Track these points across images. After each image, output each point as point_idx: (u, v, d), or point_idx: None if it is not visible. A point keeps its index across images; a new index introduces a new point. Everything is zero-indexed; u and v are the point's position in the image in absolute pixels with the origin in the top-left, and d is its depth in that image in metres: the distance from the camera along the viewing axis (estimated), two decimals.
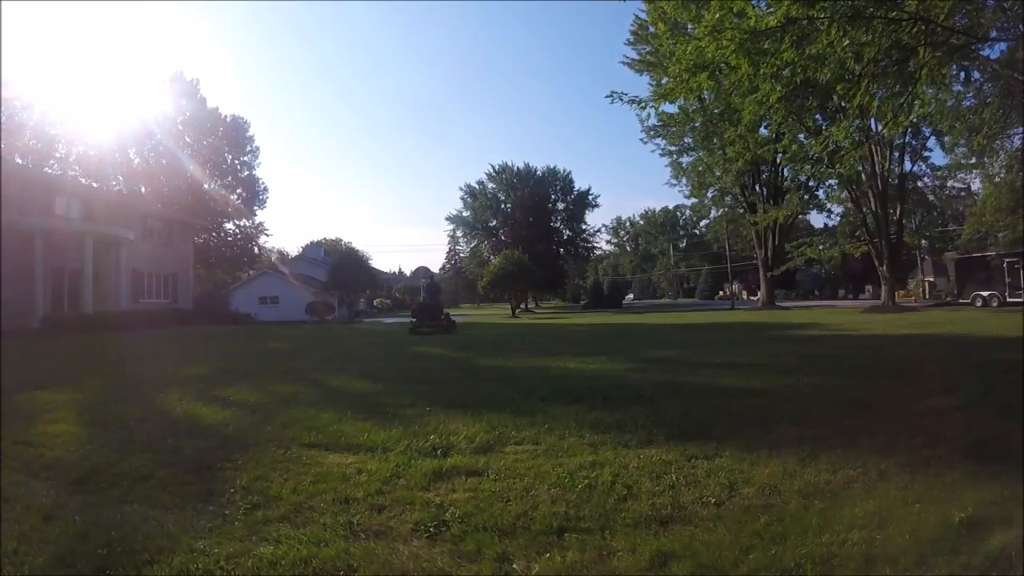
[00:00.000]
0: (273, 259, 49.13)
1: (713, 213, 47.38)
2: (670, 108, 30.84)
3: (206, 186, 40.06)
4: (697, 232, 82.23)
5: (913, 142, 28.97)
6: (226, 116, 42.14)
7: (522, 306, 41.79)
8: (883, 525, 2.47)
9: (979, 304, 24.80)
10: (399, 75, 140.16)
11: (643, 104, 9.62)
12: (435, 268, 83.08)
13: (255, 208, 44.08)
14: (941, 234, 43.74)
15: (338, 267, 37.43)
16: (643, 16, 29.29)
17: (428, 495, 2.94)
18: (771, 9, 7.68)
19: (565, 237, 51.49)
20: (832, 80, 8.85)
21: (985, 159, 24.98)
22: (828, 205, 34.41)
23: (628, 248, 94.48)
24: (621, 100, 10.07)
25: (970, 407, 4.72)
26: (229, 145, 41.97)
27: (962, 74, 10.95)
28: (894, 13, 7.95)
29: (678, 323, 20.08)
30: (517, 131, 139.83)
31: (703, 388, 5.89)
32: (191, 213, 33.41)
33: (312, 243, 62.10)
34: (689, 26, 11.28)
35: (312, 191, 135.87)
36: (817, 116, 20.40)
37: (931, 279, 40.05)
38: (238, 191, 42.34)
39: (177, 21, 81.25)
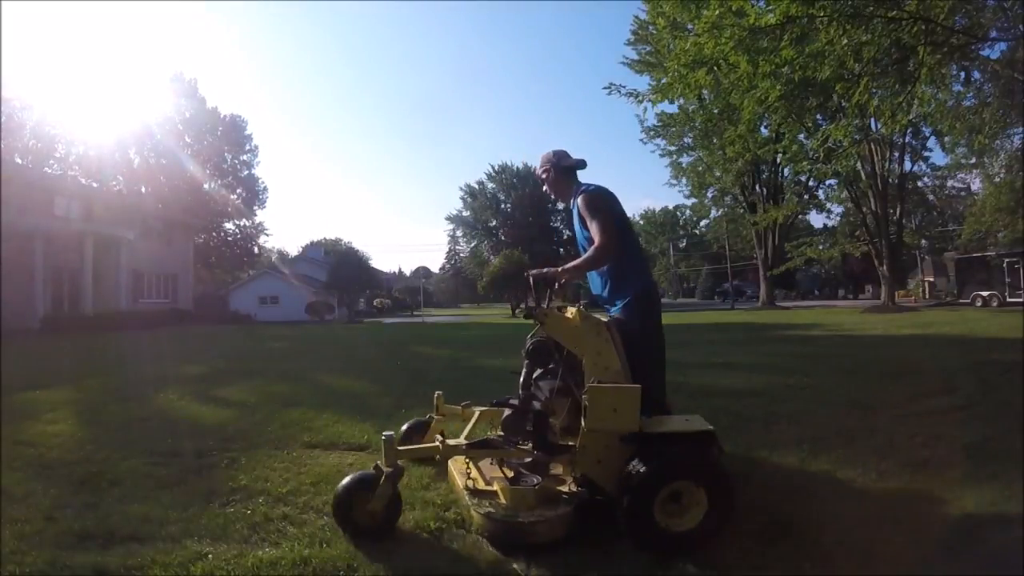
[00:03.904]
0: (273, 259, 49.14)
1: (713, 213, 47.37)
2: (670, 108, 30.86)
3: (206, 186, 40.09)
4: (697, 232, 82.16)
5: (913, 142, 28.94)
6: (225, 116, 42.18)
7: (522, 306, 41.79)
8: (883, 525, 2.47)
9: (979, 304, 24.79)
10: (400, 75, 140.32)
11: (640, 98, 9.64)
12: (435, 268, 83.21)
13: (255, 208, 44.14)
14: (941, 234, 43.69)
15: (338, 267, 37.48)
16: (643, 16, 29.29)
17: (428, 495, 2.94)
18: (771, 8, 7.68)
19: (565, 237, 51.45)
20: (831, 79, 8.85)
21: (985, 159, 24.99)
22: (828, 205, 34.42)
23: None
24: (619, 92, 10.10)
25: (970, 407, 4.71)
26: (228, 145, 41.99)
27: (962, 74, 10.94)
28: (894, 12, 7.96)
29: (677, 323, 20.08)
30: (517, 131, 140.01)
31: (703, 388, 5.89)
32: (191, 213, 33.41)
33: (312, 243, 62.16)
34: (689, 25, 11.28)
35: (312, 191, 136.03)
36: (817, 116, 20.41)
37: (931, 279, 40.02)
38: (238, 191, 42.37)
39: (177, 21, 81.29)
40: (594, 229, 2.71)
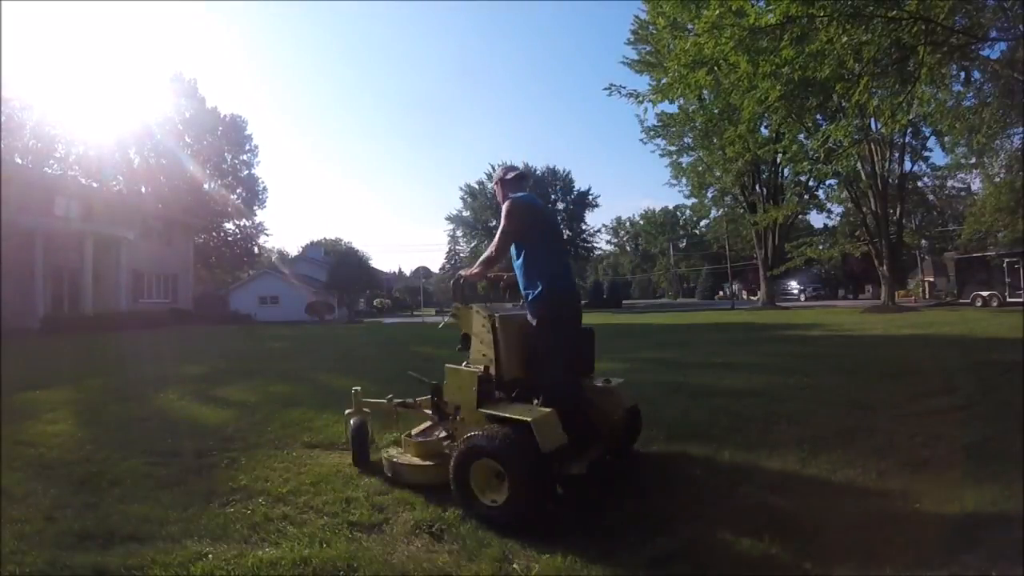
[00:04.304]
0: (273, 259, 49.16)
1: (713, 213, 47.26)
2: (670, 108, 30.84)
3: (206, 186, 40.09)
4: (697, 232, 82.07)
5: (913, 142, 28.87)
6: (225, 116, 42.15)
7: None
8: (883, 525, 2.47)
9: (979, 304, 24.76)
10: (400, 75, 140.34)
11: (641, 98, 9.66)
12: (435, 268, 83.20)
13: (255, 208, 44.12)
14: (941, 234, 43.62)
15: (338, 267, 37.51)
16: (643, 16, 29.27)
17: (428, 495, 2.94)
18: (771, 8, 7.68)
19: (565, 237, 51.35)
20: (831, 78, 8.85)
21: (985, 159, 24.95)
22: (828, 205, 34.37)
23: (628, 248, 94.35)
24: (619, 93, 10.13)
25: (970, 407, 4.71)
26: (228, 144, 41.97)
27: (962, 74, 10.94)
28: (894, 12, 7.95)
29: (678, 323, 20.08)
30: (517, 131, 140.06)
31: (703, 388, 5.89)
32: (191, 213, 33.40)
33: (312, 243, 62.16)
34: (689, 25, 11.29)
35: (312, 191, 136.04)
36: (817, 116, 20.42)
37: (931, 279, 39.99)
38: (238, 191, 42.36)
39: (177, 21, 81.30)
40: (497, 234, 3.12)
